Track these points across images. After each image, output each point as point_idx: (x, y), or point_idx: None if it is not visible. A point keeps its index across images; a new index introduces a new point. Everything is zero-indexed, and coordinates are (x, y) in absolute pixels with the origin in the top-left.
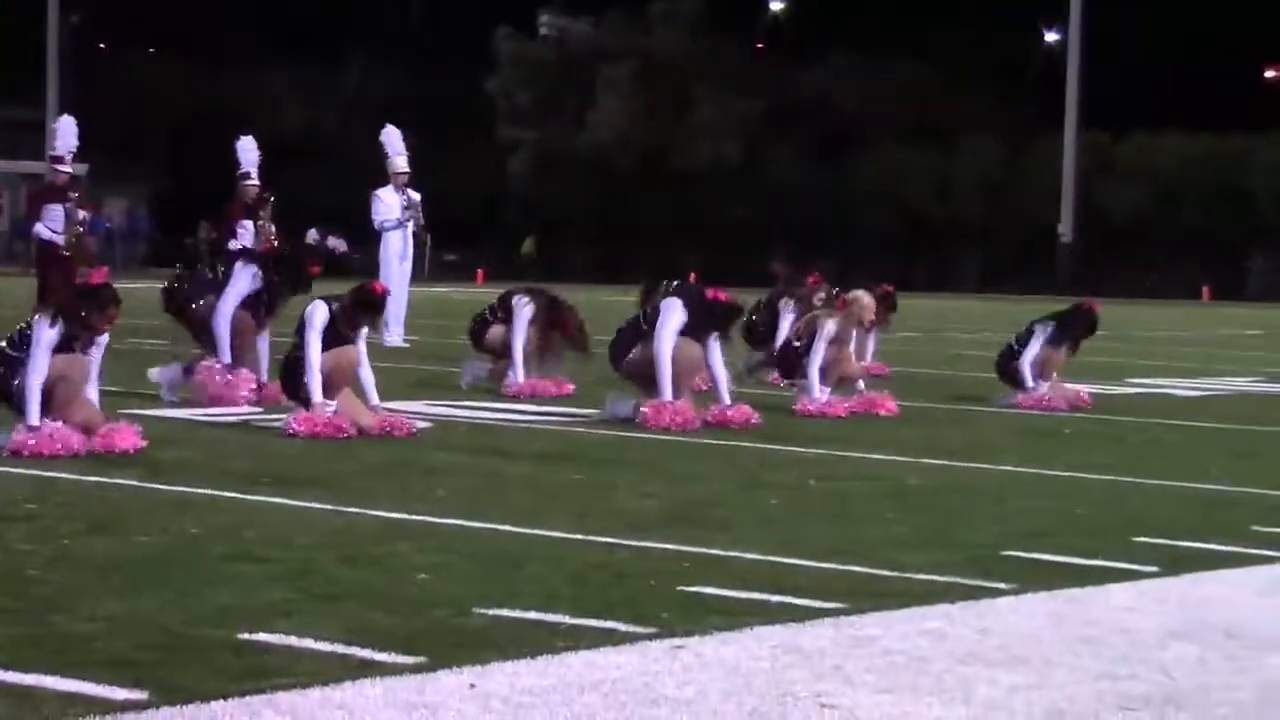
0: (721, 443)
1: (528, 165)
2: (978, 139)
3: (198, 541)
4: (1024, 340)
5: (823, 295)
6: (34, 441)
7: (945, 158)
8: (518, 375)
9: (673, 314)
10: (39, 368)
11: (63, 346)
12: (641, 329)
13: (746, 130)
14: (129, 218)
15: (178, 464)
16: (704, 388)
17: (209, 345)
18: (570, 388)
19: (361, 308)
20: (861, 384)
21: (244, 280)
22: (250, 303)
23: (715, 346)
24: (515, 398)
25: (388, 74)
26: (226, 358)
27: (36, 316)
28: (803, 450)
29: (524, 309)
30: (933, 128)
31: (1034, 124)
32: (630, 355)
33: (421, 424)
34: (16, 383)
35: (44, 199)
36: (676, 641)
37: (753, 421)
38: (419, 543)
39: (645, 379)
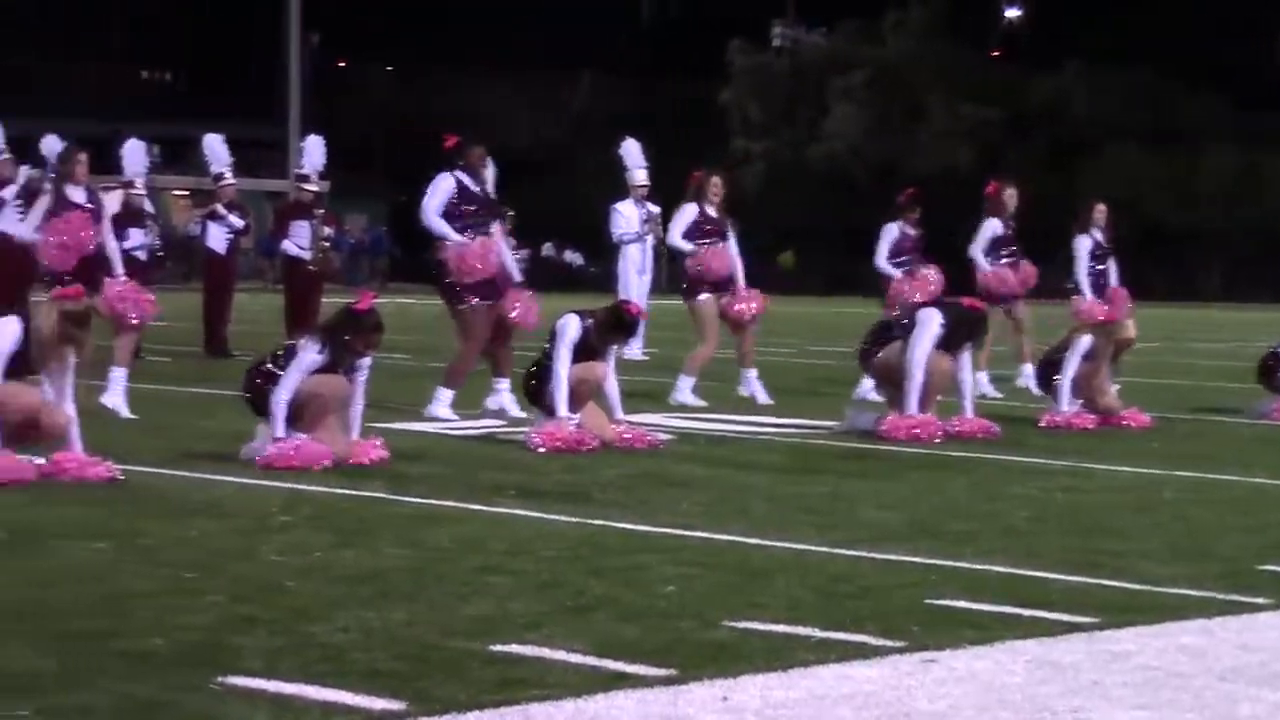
0: (962, 454)
1: (761, 177)
2: (1215, 145)
3: (446, 554)
4: None
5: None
6: (288, 453)
7: (1182, 164)
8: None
9: (930, 325)
10: (289, 384)
11: (325, 367)
12: (893, 332)
13: (979, 138)
14: (369, 233)
15: (424, 477)
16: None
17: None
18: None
19: (616, 329)
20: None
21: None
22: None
23: (965, 356)
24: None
25: (618, 87)
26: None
27: (304, 339)
28: (1047, 462)
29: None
30: (1169, 133)
31: (1275, 129)
32: (880, 355)
33: (662, 436)
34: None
35: (290, 216)
36: (927, 655)
37: (993, 432)
38: (665, 555)
39: (893, 383)
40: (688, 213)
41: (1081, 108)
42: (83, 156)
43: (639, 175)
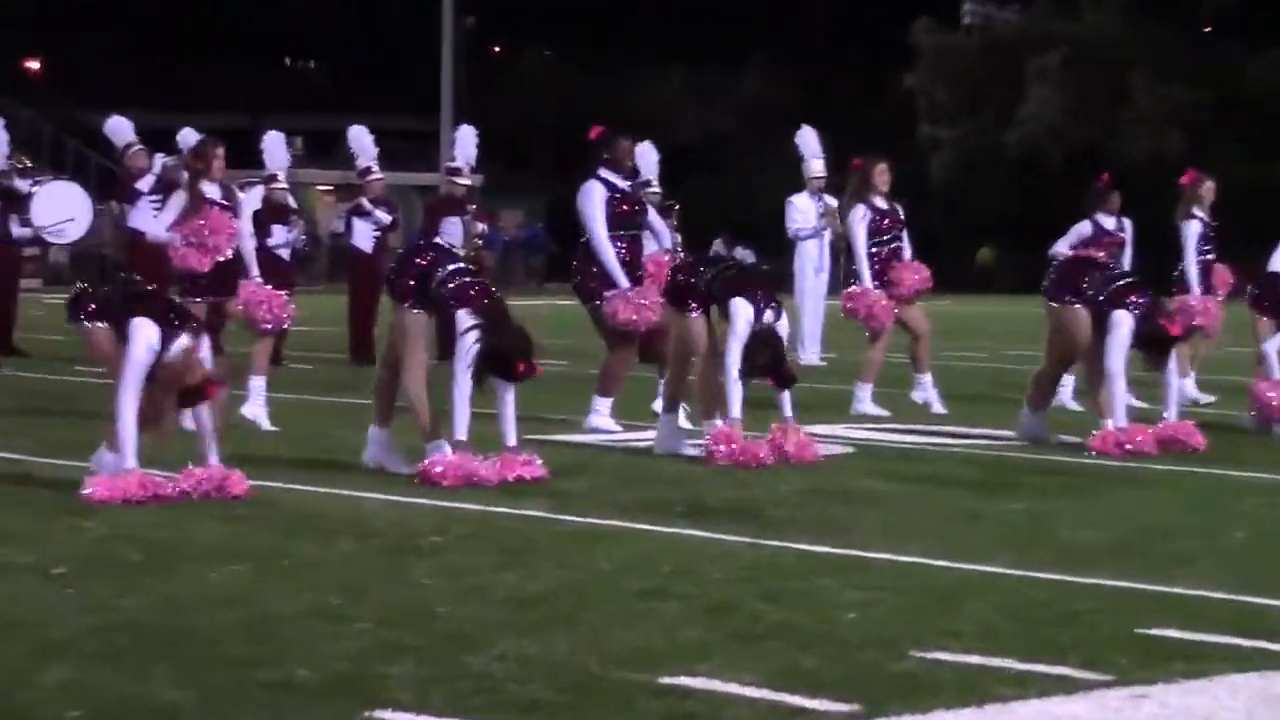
0: (1171, 468)
1: (950, 165)
2: None
3: (609, 576)
4: None
5: None
6: (440, 469)
7: None
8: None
9: (1122, 327)
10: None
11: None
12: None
13: (1188, 122)
14: (525, 230)
15: (585, 493)
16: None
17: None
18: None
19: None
20: None
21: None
22: None
23: (1172, 356)
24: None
25: (792, 73)
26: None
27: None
28: (1267, 476)
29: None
30: None
31: None
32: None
33: (842, 449)
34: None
35: (442, 211)
36: (1138, 690)
37: (1195, 440)
38: (845, 578)
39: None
40: (858, 214)
41: None
42: (219, 150)
43: (815, 166)
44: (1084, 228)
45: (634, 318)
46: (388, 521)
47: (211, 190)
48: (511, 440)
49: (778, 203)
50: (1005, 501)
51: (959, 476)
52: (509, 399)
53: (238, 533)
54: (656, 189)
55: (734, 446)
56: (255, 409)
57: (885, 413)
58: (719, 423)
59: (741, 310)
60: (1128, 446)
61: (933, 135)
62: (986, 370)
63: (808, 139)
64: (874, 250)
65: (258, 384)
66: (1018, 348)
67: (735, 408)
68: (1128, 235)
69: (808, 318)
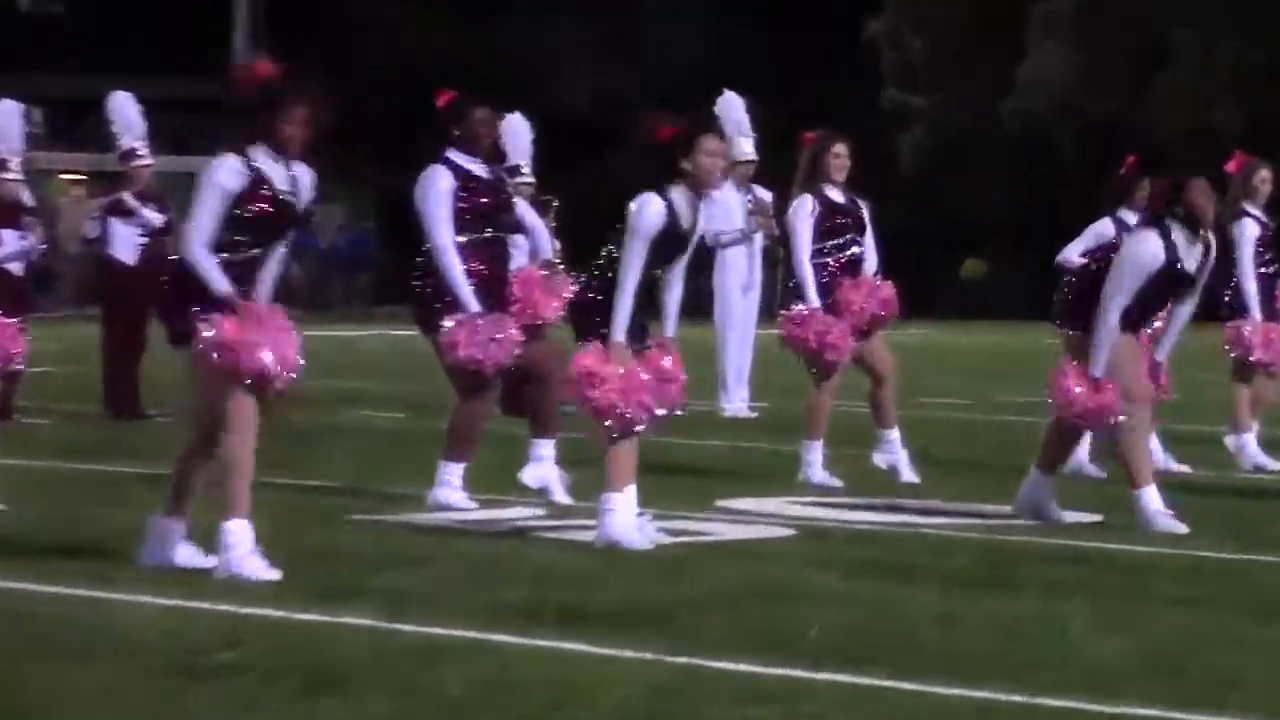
0: (1220, 555)
1: (925, 146)
2: None
3: (459, 708)
4: None
5: None
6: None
7: None
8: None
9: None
10: None
11: None
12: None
13: (1243, 92)
14: (345, 235)
15: (428, 593)
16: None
17: None
18: None
19: None
20: None
21: None
22: None
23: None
24: None
25: (711, 21)
26: None
27: None
28: None
29: None
30: None
31: None
32: None
33: (781, 532)
34: None
35: None
36: None
37: None
38: (784, 707)
39: None
40: (803, 208)
41: None
42: None
43: (742, 146)
44: (1104, 228)
45: (478, 356)
46: (160, 633)
47: None
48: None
49: None
50: (998, 600)
51: (936, 567)
52: None
53: None
54: (529, 177)
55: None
56: None
57: (837, 482)
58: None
59: None
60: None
61: (903, 104)
62: (975, 423)
63: (730, 109)
64: (822, 259)
65: None
66: (1016, 392)
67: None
68: None
69: (732, 351)
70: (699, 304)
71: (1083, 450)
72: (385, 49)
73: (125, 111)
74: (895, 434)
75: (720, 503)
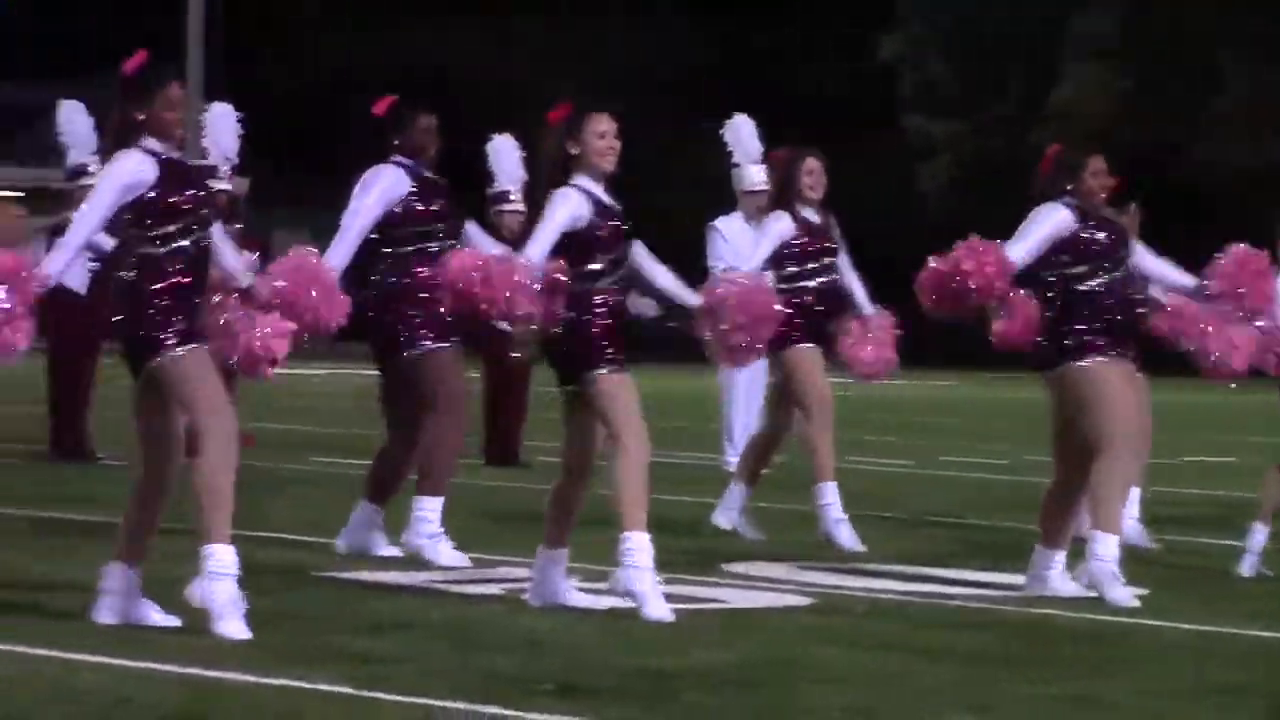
0: (1257, 633)
1: (947, 176)
2: None
3: None
4: None
5: None
6: None
7: None
8: None
9: None
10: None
11: None
12: None
13: None
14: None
15: (407, 660)
16: None
17: None
18: None
19: None
20: None
21: None
22: None
23: None
24: None
25: (700, 29)
26: None
27: None
28: None
29: None
30: None
31: None
32: None
33: (795, 600)
34: None
35: None
36: None
37: None
38: None
39: None
40: (775, 224)
41: None
42: None
43: (753, 175)
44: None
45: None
46: (110, 700)
47: None
48: None
49: (697, 224)
50: (1034, 683)
51: (964, 645)
52: None
53: None
54: (518, 204)
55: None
56: None
57: (859, 547)
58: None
59: None
60: None
61: (924, 131)
62: (1004, 484)
63: (741, 134)
64: (784, 285)
65: None
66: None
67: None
68: None
69: (739, 396)
70: (700, 349)
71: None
72: (283, 46)
73: (73, 121)
74: (832, 486)
75: (726, 566)
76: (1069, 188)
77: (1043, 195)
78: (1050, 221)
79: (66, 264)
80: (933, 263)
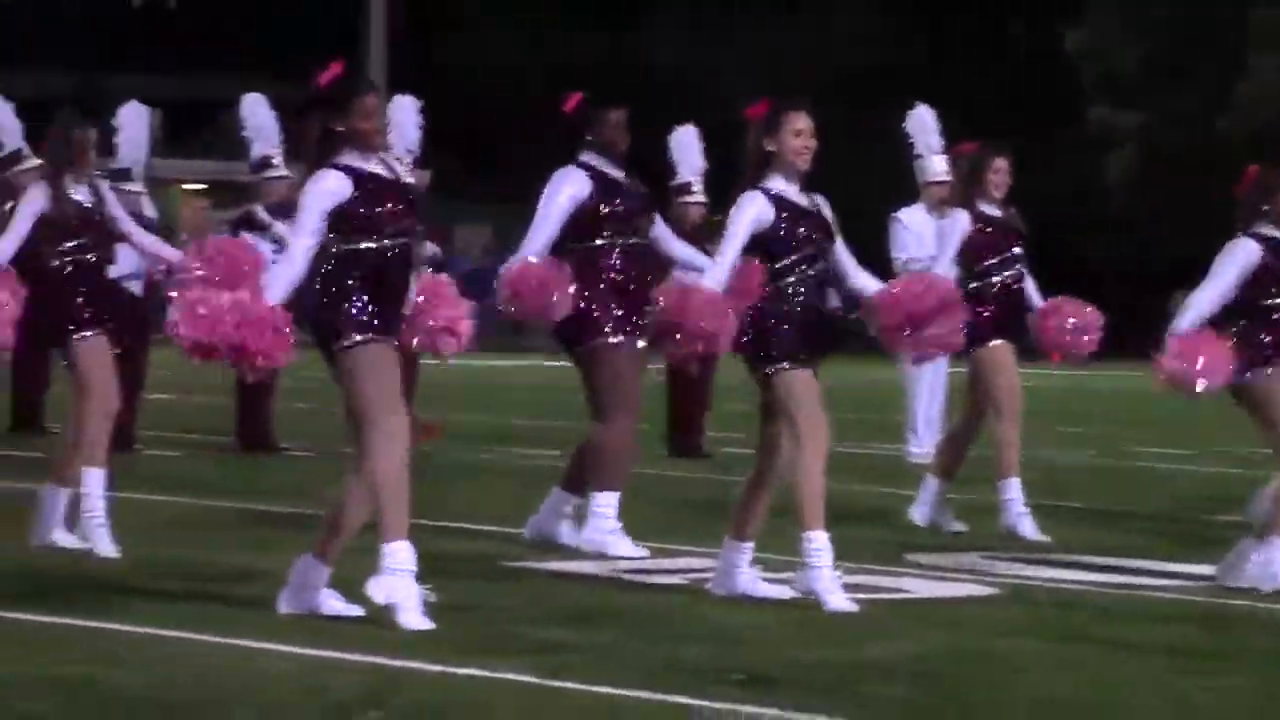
0: None
1: (1132, 165)
2: None
3: None
4: None
5: None
6: None
7: None
8: None
9: None
10: None
11: None
12: None
13: None
14: (494, 258)
15: (594, 649)
16: None
17: None
18: None
19: None
20: None
21: None
22: None
23: None
24: None
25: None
26: None
27: None
28: None
29: None
30: None
31: None
32: None
33: (983, 590)
34: None
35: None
36: None
37: None
38: None
39: None
40: (958, 222)
41: None
42: (90, 134)
43: (935, 166)
44: None
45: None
46: (294, 688)
47: (80, 194)
48: None
49: (876, 212)
50: (1225, 675)
51: (1159, 638)
52: None
53: None
54: (700, 196)
55: None
56: (95, 529)
57: (1043, 537)
58: None
59: None
60: None
61: (1108, 121)
62: (1193, 475)
63: (923, 124)
64: (972, 282)
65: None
66: (1241, 440)
67: None
68: None
69: (923, 389)
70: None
71: None
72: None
73: (256, 114)
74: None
75: (910, 556)
76: (1265, 209)
77: (1240, 216)
78: (1236, 263)
79: (290, 284)
80: None
